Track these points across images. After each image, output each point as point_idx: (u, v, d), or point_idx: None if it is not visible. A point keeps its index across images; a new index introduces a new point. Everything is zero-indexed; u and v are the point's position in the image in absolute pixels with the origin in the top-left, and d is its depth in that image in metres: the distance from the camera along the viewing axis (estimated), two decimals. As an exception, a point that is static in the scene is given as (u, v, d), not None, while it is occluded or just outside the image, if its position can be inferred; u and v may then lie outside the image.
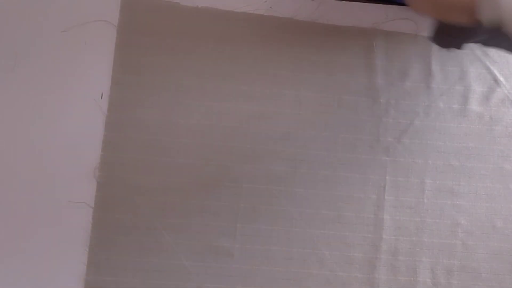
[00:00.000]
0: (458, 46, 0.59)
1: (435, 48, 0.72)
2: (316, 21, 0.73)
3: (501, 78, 0.72)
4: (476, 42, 0.56)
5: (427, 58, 0.72)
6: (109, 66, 0.69)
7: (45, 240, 0.64)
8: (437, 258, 0.64)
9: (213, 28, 0.70)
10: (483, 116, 0.71)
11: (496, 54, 0.73)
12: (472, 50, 0.72)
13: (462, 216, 0.67)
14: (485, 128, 0.70)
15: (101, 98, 0.68)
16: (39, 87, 0.68)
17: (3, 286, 0.63)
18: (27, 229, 0.65)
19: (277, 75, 0.71)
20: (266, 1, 0.74)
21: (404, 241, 0.66)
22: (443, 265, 0.64)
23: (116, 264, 0.63)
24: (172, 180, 0.66)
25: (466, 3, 0.48)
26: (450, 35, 0.56)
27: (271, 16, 0.72)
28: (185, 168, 0.67)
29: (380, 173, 0.68)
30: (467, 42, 0.58)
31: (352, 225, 0.66)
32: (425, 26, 0.74)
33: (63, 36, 0.70)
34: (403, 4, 0.74)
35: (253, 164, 0.67)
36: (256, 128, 0.68)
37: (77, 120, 0.68)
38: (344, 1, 0.74)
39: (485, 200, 0.67)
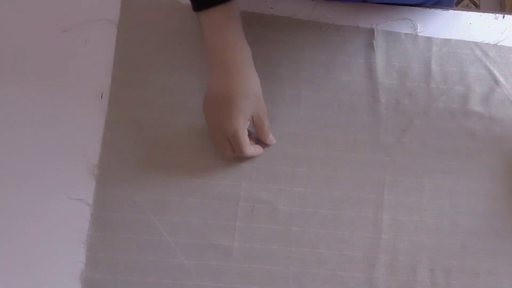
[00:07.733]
0: None
1: (435, 48, 0.72)
2: (316, 20, 0.73)
3: (501, 79, 0.72)
4: None
5: (427, 58, 0.72)
6: (110, 65, 0.69)
7: (43, 238, 0.64)
8: (436, 258, 0.64)
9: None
10: (483, 116, 0.71)
11: (496, 54, 0.73)
12: (472, 50, 0.72)
13: (461, 216, 0.66)
14: (485, 128, 0.70)
15: (101, 97, 0.68)
16: (39, 87, 0.69)
17: (0, 284, 0.63)
18: (25, 227, 0.65)
19: (277, 74, 0.71)
20: (266, 1, 0.74)
21: (403, 241, 0.66)
22: (442, 265, 0.64)
23: (115, 262, 0.63)
24: (171, 179, 0.66)
25: None
26: None
27: (271, 15, 0.73)
28: (184, 167, 0.67)
29: (380, 173, 0.68)
30: None
31: (351, 225, 0.66)
32: (425, 26, 0.74)
33: (63, 35, 0.70)
34: (403, 4, 0.74)
35: (253, 163, 0.67)
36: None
37: (77, 118, 0.68)
38: (344, 1, 0.74)
39: (484, 201, 0.67)
